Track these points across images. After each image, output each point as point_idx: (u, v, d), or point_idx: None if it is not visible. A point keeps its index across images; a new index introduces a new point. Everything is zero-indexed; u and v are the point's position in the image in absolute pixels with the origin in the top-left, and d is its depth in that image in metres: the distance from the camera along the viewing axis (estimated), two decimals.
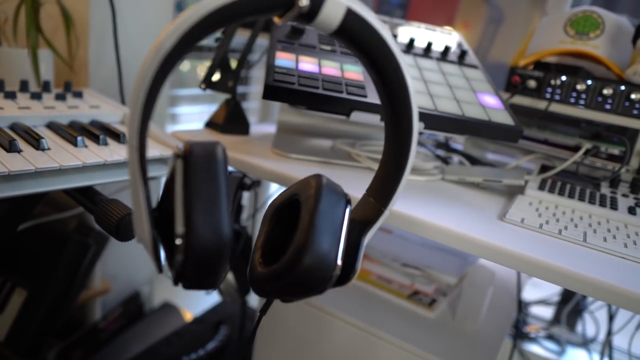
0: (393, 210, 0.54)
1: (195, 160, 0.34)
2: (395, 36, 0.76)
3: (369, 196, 0.46)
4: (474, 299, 0.76)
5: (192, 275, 0.34)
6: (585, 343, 1.18)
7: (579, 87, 0.73)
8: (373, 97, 0.62)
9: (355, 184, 0.61)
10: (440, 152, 0.84)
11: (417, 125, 0.42)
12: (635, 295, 0.42)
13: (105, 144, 0.59)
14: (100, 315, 1.07)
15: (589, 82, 0.73)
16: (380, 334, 0.72)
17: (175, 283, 0.35)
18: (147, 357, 1.00)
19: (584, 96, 0.73)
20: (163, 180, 0.38)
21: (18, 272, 0.84)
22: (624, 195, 0.66)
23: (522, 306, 1.21)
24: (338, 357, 0.76)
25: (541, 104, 0.76)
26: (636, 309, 0.42)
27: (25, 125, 0.59)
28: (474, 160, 0.80)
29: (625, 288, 0.42)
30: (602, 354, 1.01)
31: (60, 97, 0.69)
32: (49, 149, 0.54)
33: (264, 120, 1.49)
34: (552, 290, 1.23)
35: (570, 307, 1.18)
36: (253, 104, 1.51)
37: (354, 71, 0.68)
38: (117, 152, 0.57)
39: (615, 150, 0.72)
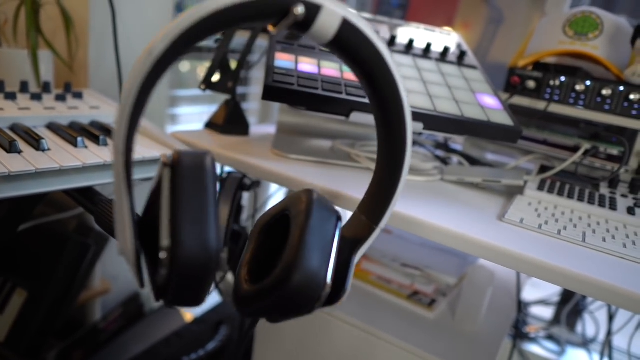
0: (393, 211, 0.54)
1: (184, 170, 0.33)
2: (394, 37, 0.76)
3: (361, 213, 0.45)
4: (473, 299, 0.76)
5: (176, 291, 0.32)
6: (585, 343, 1.18)
7: (578, 87, 0.73)
8: None
9: (355, 185, 0.61)
10: (440, 153, 0.84)
11: (410, 141, 0.41)
12: (634, 295, 0.42)
13: (105, 144, 0.59)
14: (100, 315, 1.07)
15: (588, 82, 0.73)
16: (379, 334, 0.72)
17: (157, 299, 0.33)
18: (147, 357, 1.00)
19: (583, 97, 0.74)
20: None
21: (18, 273, 0.84)
22: (623, 196, 0.66)
23: (522, 306, 1.21)
24: (338, 357, 0.76)
25: (540, 105, 0.76)
26: (635, 309, 0.42)
27: (26, 126, 0.59)
28: (473, 161, 0.80)
29: (624, 288, 0.43)
30: (602, 354, 1.01)
31: (60, 98, 0.69)
32: (49, 149, 0.54)
33: (264, 121, 1.50)
34: (552, 291, 1.23)
35: (570, 307, 1.18)
36: (253, 105, 1.51)
37: None
38: None
39: (614, 151, 0.72)
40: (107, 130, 0.64)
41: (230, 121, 0.80)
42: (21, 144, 0.53)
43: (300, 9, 0.34)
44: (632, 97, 0.70)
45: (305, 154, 0.70)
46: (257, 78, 1.47)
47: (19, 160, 0.49)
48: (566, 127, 0.79)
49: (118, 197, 0.32)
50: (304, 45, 0.72)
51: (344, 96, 0.61)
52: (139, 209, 0.36)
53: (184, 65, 1.39)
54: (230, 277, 0.84)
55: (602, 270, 0.46)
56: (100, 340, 1.03)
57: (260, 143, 0.77)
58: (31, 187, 0.50)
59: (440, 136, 0.90)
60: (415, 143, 0.88)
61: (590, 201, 0.62)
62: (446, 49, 0.78)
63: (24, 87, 0.69)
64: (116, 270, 1.09)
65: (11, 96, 0.65)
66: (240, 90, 1.40)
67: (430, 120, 0.62)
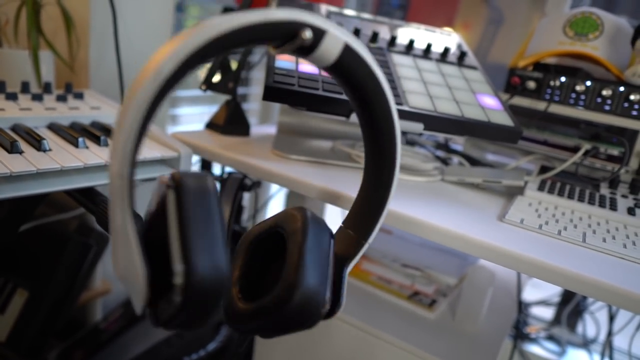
0: (393, 211, 0.54)
1: (189, 193, 0.32)
2: (394, 37, 0.77)
3: (347, 228, 0.46)
4: (474, 300, 0.76)
5: (187, 316, 0.31)
6: (585, 344, 1.18)
7: (578, 88, 0.73)
8: None
9: (355, 185, 0.61)
10: (440, 153, 0.84)
11: (399, 162, 0.43)
12: (634, 295, 0.42)
13: (106, 145, 0.59)
14: (101, 315, 1.07)
15: (588, 83, 0.73)
16: (380, 335, 0.72)
17: (164, 325, 0.31)
18: (148, 357, 1.00)
19: (583, 97, 0.74)
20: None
21: (19, 273, 0.84)
22: (623, 196, 0.66)
23: (522, 307, 1.21)
24: (338, 357, 0.76)
25: (540, 105, 0.76)
26: (635, 309, 0.42)
27: (27, 127, 0.59)
28: (473, 161, 0.80)
29: (624, 288, 0.43)
30: (602, 355, 1.01)
31: (61, 99, 0.69)
32: (50, 150, 0.54)
33: (264, 121, 1.50)
34: (552, 291, 1.23)
35: (570, 307, 1.18)
36: (253, 105, 1.51)
37: None
38: None
39: (615, 151, 0.72)
40: (107, 131, 0.64)
41: (230, 121, 0.80)
42: (22, 145, 0.53)
43: (308, 34, 0.34)
44: (632, 97, 0.70)
45: (305, 154, 0.70)
46: (257, 78, 1.47)
47: (20, 161, 0.49)
48: (566, 128, 0.79)
49: (119, 224, 0.30)
50: None
51: (344, 97, 0.61)
52: (144, 209, 0.36)
53: None
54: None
55: (602, 270, 0.46)
56: (101, 340, 1.04)
57: (261, 143, 0.77)
58: (32, 188, 0.50)
59: (441, 137, 0.90)
60: (415, 143, 0.88)
61: (591, 201, 0.62)
62: (446, 50, 0.78)
63: (25, 87, 0.69)
64: None
65: (12, 96, 0.65)
66: (240, 90, 1.40)
67: (431, 121, 0.62)
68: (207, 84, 0.82)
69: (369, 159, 0.44)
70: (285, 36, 0.34)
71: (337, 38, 0.36)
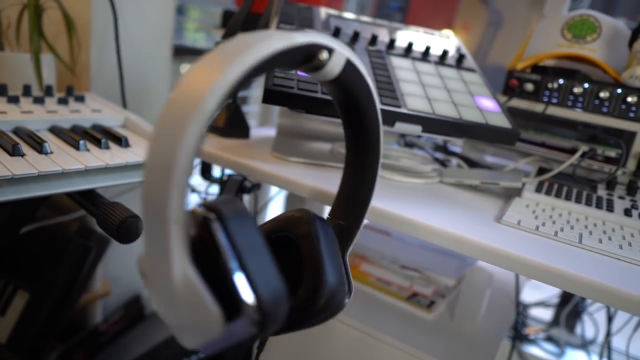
0: (392, 213, 0.55)
1: (233, 221, 0.32)
2: (393, 40, 0.77)
3: (337, 219, 0.48)
4: (472, 301, 0.76)
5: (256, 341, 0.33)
6: (584, 345, 1.18)
7: (576, 90, 0.74)
8: None
9: None
10: (439, 155, 0.85)
11: (382, 153, 0.46)
12: (629, 295, 0.42)
13: (107, 147, 0.60)
14: (101, 317, 1.07)
15: (586, 85, 0.73)
16: (378, 336, 0.72)
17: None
18: (148, 359, 1.00)
19: (581, 99, 0.74)
20: None
21: (20, 275, 0.84)
22: (620, 197, 0.66)
23: (521, 308, 1.22)
24: (337, 358, 0.76)
25: (538, 107, 0.77)
26: (630, 310, 0.43)
27: (28, 129, 0.59)
28: (472, 163, 0.81)
29: (620, 288, 0.43)
30: (601, 355, 1.02)
31: (62, 102, 0.70)
32: (51, 152, 0.55)
33: (264, 123, 1.50)
34: (551, 292, 1.24)
35: (569, 308, 1.18)
36: (253, 108, 1.51)
37: None
38: (118, 155, 0.58)
39: (612, 153, 0.72)
40: (108, 134, 0.65)
41: (230, 124, 0.81)
42: (24, 147, 0.54)
43: (325, 55, 0.37)
44: (629, 99, 0.70)
45: (304, 156, 0.71)
46: (257, 81, 1.48)
47: (21, 163, 0.50)
48: (564, 130, 0.79)
49: (180, 270, 0.29)
50: None
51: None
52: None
53: (186, 68, 1.40)
54: None
55: (598, 271, 0.46)
56: (101, 342, 1.04)
57: (261, 146, 0.78)
58: (34, 190, 0.51)
59: (440, 139, 0.90)
60: (414, 145, 0.89)
61: (588, 203, 0.63)
62: (445, 52, 0.79)
63: (26, 90, 0.69)
64: (117, 273, 1.10)
65: (14, 100, 0.66)
66: (240, 93, 1.40)
67: (429, 123, 0.62)
68: None
69: (353, 154, 0.47)
70: (306, 58, 0.36)
71: (341, 55, 0.38)
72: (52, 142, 0.58)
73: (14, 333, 0.81)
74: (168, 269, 0.28)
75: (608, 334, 1.00)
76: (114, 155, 0.58)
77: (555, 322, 1.22)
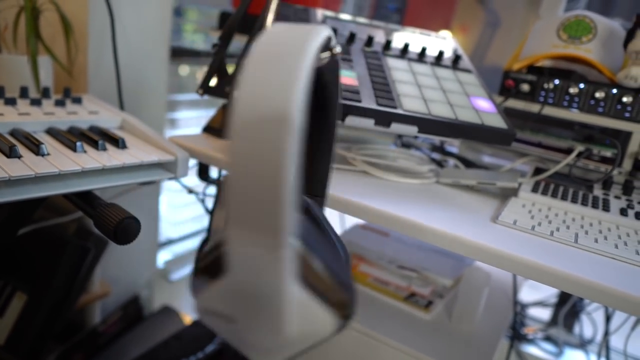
0: (389, 213, 0.55)
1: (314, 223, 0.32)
2: (389, 41, 0.77)
3: (312, 195, 0.49)
4: (470, 301, 0.77)
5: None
6: (582, 344, 1.19)
7: (572, 90, 0.74)
8: (367, 102, 0.62)
9: (352, 188, 0.62)
10: (436, 155, 0.85)
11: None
12: (624, 295, 0.43)
13: (104, 149, 0.60)
14: (99, 318, 1.07)
15: (582, 85, 0.74)
16: (376, 336, 0.72)
17: None
18: None
19: (576, 99, 0.74)
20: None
21: (18, 276, 0.84)
22: (616, 197, 0.66)
23: (519, 308, 1.22)
24: (334, 358, 0.77)
25: (535, 107, 0.77)
26: (625, 309, 0.43)
27: (25, 131, 0.59)
28: (468, 163, 0.81)
29: (614, 288, 0.43)
30: (599, 355, 1.02)
31: (59, 103, 0.70)
32: (48, 154, 0.55)
33: None
34: (549, 292, 1.24)
35: (567, 308, 1.19)
36: None
37: (349, 76, 0.69)
38: (115, 157, 0.58)
39: (608, 153, 0.73)
40: (105, 135, 0.65)
41: (227, 125, 0.81)
42: (21, 149, 0.54)
43: (338, 49, 0.41)
44: (624, 99, 0.71)
45: None
46: None
47: (18, 165, 0.50)
48: (560, 130, 0.79)
49: (297, 293, 0.27)
50: None
51: (339, 100, 0.61)
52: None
53: (183, 69, 1.40)
54: None
55: (593, 270, 0.46)
56: (100, 343, 1.04)
57: None
58: (31, 192, 0.51)
59: (436, 139, 0.90)
60: (411, 146, 0.89)
61: (584, 203, 0.63)
62: (441, 53, 0.79)
63: (23, 92, 0.70)
64: (115, 274, 1.10)
65: (11, 101, 0.66)
66: None
67: (425, 124, 0.62)
68: (204, 88, 0.83)
69: (312, 133, 0.48)
70: (325, 48, 0.39)
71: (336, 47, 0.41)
72: (49, 144, 0.58)
73: (12, 334, 0.81)
74: (281, 292, 0.26)
75: (606, 334, 1.00)
76: (111, 157, 0.58)
77: (553, 321, 1.22)
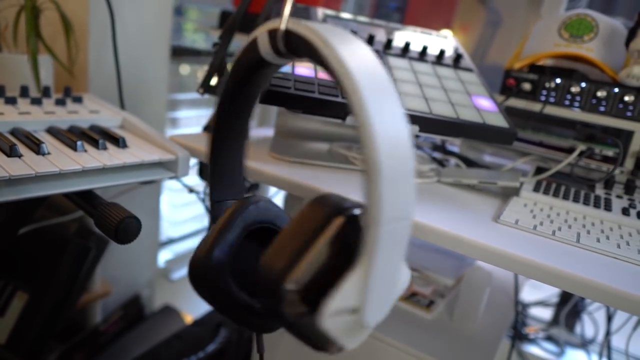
0: None
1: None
2: (390, 40, 0.77)
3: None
4: (471, 300, 0.77)
5: None
6: (584, 344, 1.18)
7: (574, 89, 0.74)
8: None
9: (352, 187, 0.61)
10: (437, 155, 0.85)
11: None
12: (626, 294, 0.42)
13: (105, 148, 0.60)
14: (100, 318, 1.07)
15: (583, 84, 0.73)
16: (377, 336, 0.72)
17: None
18: (148, 359, 1.00)
19: (578, 98, 0.74)
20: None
21: (19, 276, 0.84)
22: (618, 197, 0.66)
23: (520, 307, 1.22)
24: (335, 358, 0.76)
25: (536, 107, 0.77)
26: (627, 309, 0.43)
27: (26, 130, 0.59)
28: (470, 163, 0.81)
29: (617, 288, 0.43)
30: (600, 355, 1.02)
31: (60, 102, 0.70)
32: (49, 153, 0.55)
33: (262, 124, 1.50)
34: (551, 292, 1.24)
35: (569, 308, 1.19)
36: None
37: None
38: (116, 156, 0.58)
39: (610, 152, 0.72)
40: (106, 134, 0.65)
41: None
42: (21, 148, 0.54)
43: None
44: (626, 98, 0.70)
45: (302, 157, 0.71)
46: None
47: (19, 164, 0.50)
48: (562, 129, 0.79)
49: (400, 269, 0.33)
50: None
51: (340, 99, 0.61)
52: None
53: (184, 69, 1.40)
54: None
55: (596, 270, 0.46)
56: (101, 342, 1.04)
57: (258, 146, 0.78)
58: (31, 191, 0.51)
59: (438, 138, 0.90)
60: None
61: (586, 202, 0.63)
62: (442, 52, 0.79)
63: (24, 91, 0.70)
64: (116, 273, 1.10)
65: (11, 101, 0.66)
66: None
67: (426, 123, 0.62)
68: (205, 87, 0.83)
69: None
70: None
71: None
72: (50, 143, 0.58)
73: (13, 334, 0.81)
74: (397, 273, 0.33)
75: (608, 333, 1.00)
76: (112, 156, 0.58)
77: (555, 321, 1.22)
